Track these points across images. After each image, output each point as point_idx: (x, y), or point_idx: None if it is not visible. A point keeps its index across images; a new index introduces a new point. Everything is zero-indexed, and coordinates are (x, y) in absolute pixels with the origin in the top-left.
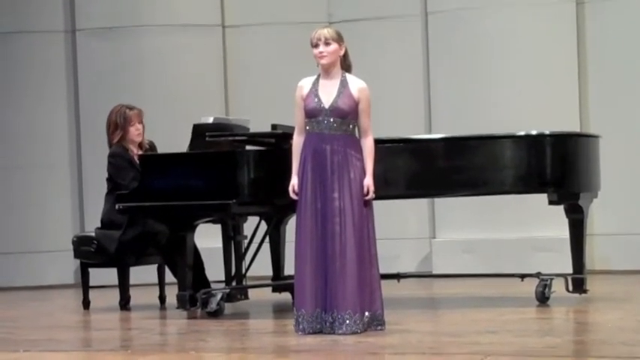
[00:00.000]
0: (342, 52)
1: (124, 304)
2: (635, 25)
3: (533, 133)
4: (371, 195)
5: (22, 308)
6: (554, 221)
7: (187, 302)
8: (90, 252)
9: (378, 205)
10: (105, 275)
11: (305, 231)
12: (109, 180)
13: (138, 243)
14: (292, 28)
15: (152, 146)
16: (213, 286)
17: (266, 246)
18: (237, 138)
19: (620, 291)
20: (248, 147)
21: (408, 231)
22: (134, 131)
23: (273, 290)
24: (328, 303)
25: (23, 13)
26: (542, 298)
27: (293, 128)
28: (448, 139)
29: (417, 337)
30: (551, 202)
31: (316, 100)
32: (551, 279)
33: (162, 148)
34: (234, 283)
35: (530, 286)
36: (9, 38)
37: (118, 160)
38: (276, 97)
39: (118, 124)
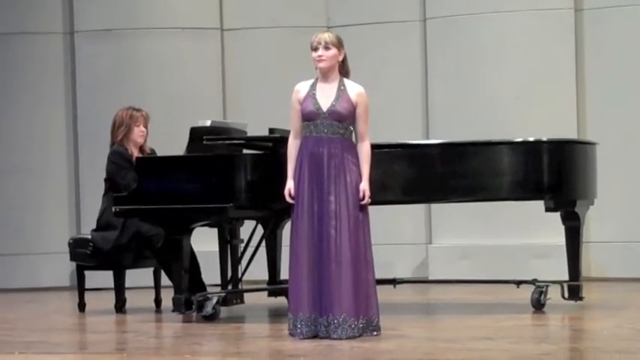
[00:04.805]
0: (341, 58)
1: (120, 306)
2: (633, 33)
3: (531, 139)
4: (367, 200)
5: (18, 310)
6: (550, 228)
7: (183, 305)
8: (86, 254)
9: (375, 211)
10: (101, 278)
11: (302, 233)
12: (106, 180)
13: (133, 246)
14: (291, 32)
15: (153, 153)
16: (209, 289)
17: (262, 250)
18: (234, 142)
19: (615, 298)
20: (245, 151)
21: (404, 236)
22: (138, 131)
23: (269, 294)
24: (324, 306)
25: (22, 14)
26: (538, 305)
27: (290, 132)
28: (445, 144)
29: (412, 343)
30: (547, 209)
31: (314, 103)
32: (547, 286)
33: (159, 151)
34: (230, 287)
35: (526, 293)
36: (7, 39)
37: (118, 158)
38: (274, 101)
39: (124, 121)
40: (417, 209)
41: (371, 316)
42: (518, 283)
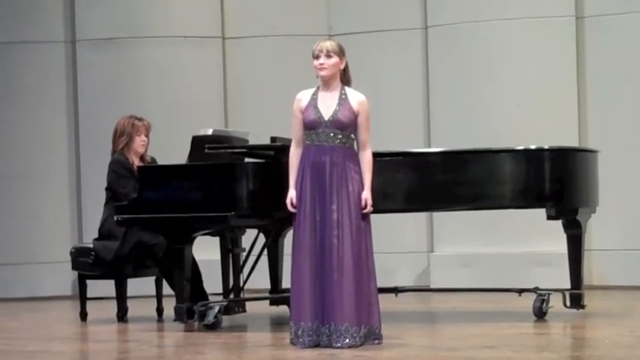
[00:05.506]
0: (342, 66)
1: (122, 315)
2: (635, 40)
3: (532, 147)
4: (369, 208)
5: (19, 319)
6: (552, 236)
7: (185, 315)
8: (87, 263)
9: (377, 219)
10: (102, 287)
11: (303, 242)
12: (107, 189)
13: (134, 255)
14: (292, 40)
15: (154, 162)
16: (210, 298)
17: (264, 259)
18: (236, 150)
19: (617, 307)
20: (247, 159)
21: (406, 245)
22: (139, 141)
23: (271, 303)
24: (326, 315)
25: (23, 23)
26: (540, 314)
27: (291, 141)
28: (447, 152)
29: (414, 352)
30: (549, 217)
31: (316, 112)
32: (549, 294)
33: (161, 160)
34: (231, 296)
35: (528, 301)
36: (9, 48)
37: (119, 167)
38: (276, 109)
39: (126, 130)
40: (419, 217)
41: (373, 325)
42: (520, 291)
